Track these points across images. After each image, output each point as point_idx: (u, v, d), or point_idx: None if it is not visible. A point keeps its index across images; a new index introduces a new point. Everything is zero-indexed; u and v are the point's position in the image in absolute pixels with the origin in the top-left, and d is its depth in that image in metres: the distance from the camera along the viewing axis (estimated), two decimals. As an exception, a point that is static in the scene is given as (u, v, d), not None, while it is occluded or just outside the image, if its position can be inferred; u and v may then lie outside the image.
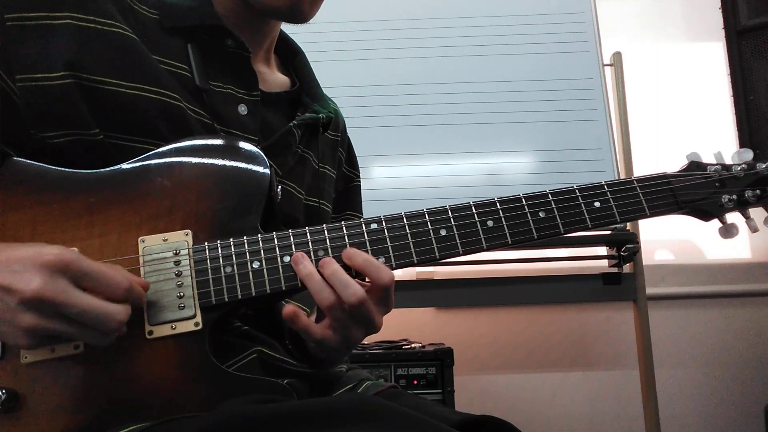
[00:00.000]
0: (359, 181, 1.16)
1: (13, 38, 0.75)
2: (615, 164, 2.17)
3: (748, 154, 0.89)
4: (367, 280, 0.77)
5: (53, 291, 0.61)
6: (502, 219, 0.81)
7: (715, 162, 0.90)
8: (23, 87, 0.75)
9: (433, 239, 0.79)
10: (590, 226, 0.83)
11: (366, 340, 2.08)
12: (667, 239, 2.64)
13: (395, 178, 2.19)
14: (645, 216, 0.85)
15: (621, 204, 0.84)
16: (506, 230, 0.81)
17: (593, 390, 2.55)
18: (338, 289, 0.74)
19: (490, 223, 0.81)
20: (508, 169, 2.20)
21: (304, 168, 0.97)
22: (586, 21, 2.33)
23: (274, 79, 1.00)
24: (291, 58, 1.05)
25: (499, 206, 0.82)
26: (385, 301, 0.78)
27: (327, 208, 1.02)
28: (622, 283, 2.15)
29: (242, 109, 0.88)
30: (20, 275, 0.61)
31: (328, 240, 0.78)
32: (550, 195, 0.83)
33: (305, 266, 0.75)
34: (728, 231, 0.89)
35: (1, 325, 0.62)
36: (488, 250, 0.81)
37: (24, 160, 0.76)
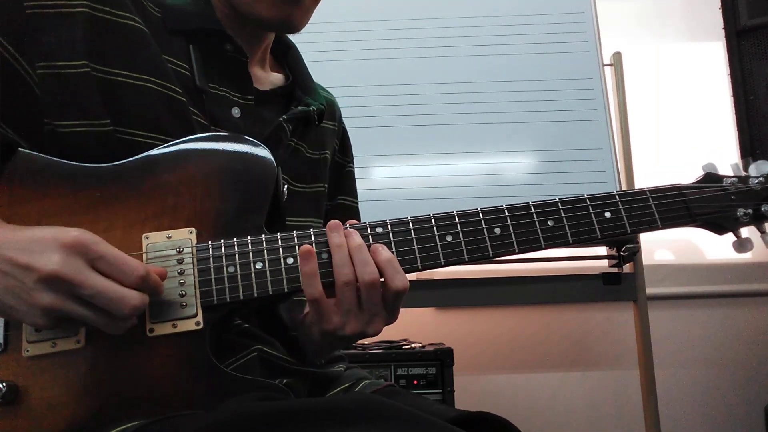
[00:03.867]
0: (352, 166, 1.16)
1: (33, 26, 0.76)
2: (615, 164, 2.17)
3: (767, 167, 0.86)
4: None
5: (70, 271, 0.62)
6: (510, 227, 0.80)
7: (731, 174, 0.88)
8: (44, 74, 0.75)
9: (438, 245, 0.79)
10: (600, 237, 0.82)
11: (366, 340, 2.09)
12: (667, 239, 2.64)
13: (395, 178, 2.19)
14: (657, 228, 0.83)
15: (632, 215, 0.83)
16: (513, 238, 0.80)
17: (593, 390, 2.56)
18: (357, 263, 0.74)
19: (497, 230, 0.80)
20: (508, 169, 2.20)
21: (296, 160, 0.98)
22: (586, 21, 2.33)
23: (268, 79, 1.01)
24: (284, 53, 1.06)
25: (507, 213, 0.81)
26: (391, 308, 0.77)
27: (323, 190, 1.03)
28: (622, 283, 2.15)
29: (235, 112, 0.89)
30: (39, 254, 0.62)
31: None
32: (559, 203, 0.82)
33: (339, 236, 0.76)
34: (742, 245, 0.87)
35: (20, 304, 0.63)
36: (494, 257, 0.80)
37: (32, 152, 0.76)
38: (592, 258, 2.30)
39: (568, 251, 2.30)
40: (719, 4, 1.85)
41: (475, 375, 2.54)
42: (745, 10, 1.83)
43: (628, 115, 2.31)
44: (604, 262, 2.29)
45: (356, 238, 0.76)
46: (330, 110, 1.06)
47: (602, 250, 2.31)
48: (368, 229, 0.79)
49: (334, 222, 0.77)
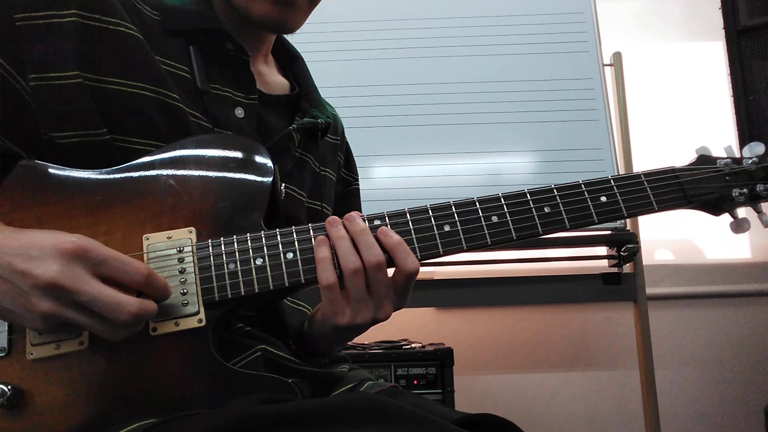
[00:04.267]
0: (358, 184, 1.16)
1: (24, 38, 0.76)
2: (615, 164, 2.17)
3: (760, 148, 0.86)
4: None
5: (68, 278, 0.62)
6: (507, 214, 0.80)
7: (725, 156, 0.88)
8: (37, 86, 0.75)
9: (436, 235, 0.79)
10: (596, 221, 0.82)
11: (366, 340, 2.09)
12: (667, 239, 2.64)
13: (395, 178, 2.19)
14: (653, 210, 0.84)
15: (628, 198, 0.83)
16: (511, 225, 0.80)
17: (593, 390, 2.55)
18: (362, 247, 0.75)
19: (494, 218, 0.80)
20: (508, 169, 2.20)
21: (303, 171, 0.98)
22: (586, 21, 2.34)
23: (274, 80, 1.01)
24: (290, 62, 1.06)
25: (503, 201, 0.81)
26: (402, 292, 0.78)
27: (328, 212, 1.02)
28: (622, 283, 2.15)
29: (239, 112, 0.89)
30: (38, 261, 0.62)
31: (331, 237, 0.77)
32: (555, 190, 0.82)
33: (339, 229, 0.76)
34: (739, 225, 0.87)
35: (18, 308, 0.63)
36: (493, 245, 0.80)
37: (33, 160, 0.76)
38: (592, 258, 2.31)
39: (568, 251, 2.30)
40: (719, 4, 1.85)
41: (475, 375, 2.54)
42: (745, 10, 1.82)
43: (628, 115, 2.32)
44: (604, 262, 2.29)
45: (360, 223, 0.77)
46: (333, 125, 1.06)
47: (602, 250, 2.31)
48: (366, 221, 0.79)
49: (332, 217, 0.78)
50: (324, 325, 0.82)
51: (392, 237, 0.76)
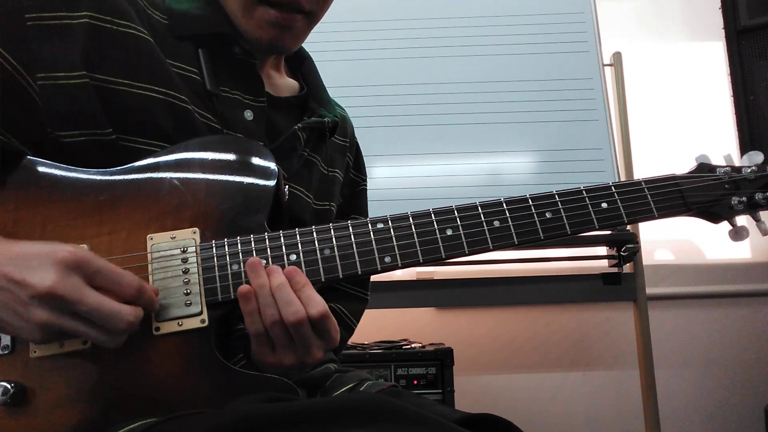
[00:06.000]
0: (366, 185, 1.16)
1: (34, 37, 0.76)
2: (615, 164, 2.17)
3: (759, 157, 0.87)
4: None
5: (67, 288, 0.62)
6: (509, 219, 0.81)
7: (724, 164, 0.89)
8: (44, 85, 0.76)
9: (439, 239, 0.79)
10: (597, 227, 0.83)
11: (366, 340, 2.09)
12: (667, 239, 2.65)
13: (395, 178, 2.19)
14: (653, 217, 0.84)
15: (628, 205, 0.84)
16: (512, 230, 0.81)
17: (593, 390, 2.56)
18: (280, 304, 0.72)
19: (496, 223, 0.81)
20: (508, 169, 2.20)
21: (310, 172, 0.98)
22: (586, 21, 2.34)
23: (283, 83, 1.01)
24: (299, 63, 1.06)
25: (505, 206, 0.82)
26: (321, 334, 0.75)
27: (329, 209, 1.02)
28: (622, 283, 2.15)
29: (248, 115, 0.89)
30: (35, 271, 0.62)
31: (334, 239, 0.78)
32: (556, 195, 0.83)
33: (259, 276, 0.73)
34: (738, 234, 0.87)
35: (14, 319, 0.64)
36: (494, 250, 0.81)
37: (38, 159, 0.77)
38: (592, 258, 2.31)
39: (568, 251, 2.30)
40: (719, 4, 1.85)
41: (475, 375, 2.54)
42: (745, 10, 1.83)
43: (628, 115, 2.32)
44: (604, 262, 2.29)
45: (276, 277, 0.73)
46: (342, 126, 1.06)
47: (602, 250, 2.31)
48: (369, 224, 0.79)
49: (255, 260, 0.74)
50: (256, 360, 0.80)
51: (297, 282, 0.73)
